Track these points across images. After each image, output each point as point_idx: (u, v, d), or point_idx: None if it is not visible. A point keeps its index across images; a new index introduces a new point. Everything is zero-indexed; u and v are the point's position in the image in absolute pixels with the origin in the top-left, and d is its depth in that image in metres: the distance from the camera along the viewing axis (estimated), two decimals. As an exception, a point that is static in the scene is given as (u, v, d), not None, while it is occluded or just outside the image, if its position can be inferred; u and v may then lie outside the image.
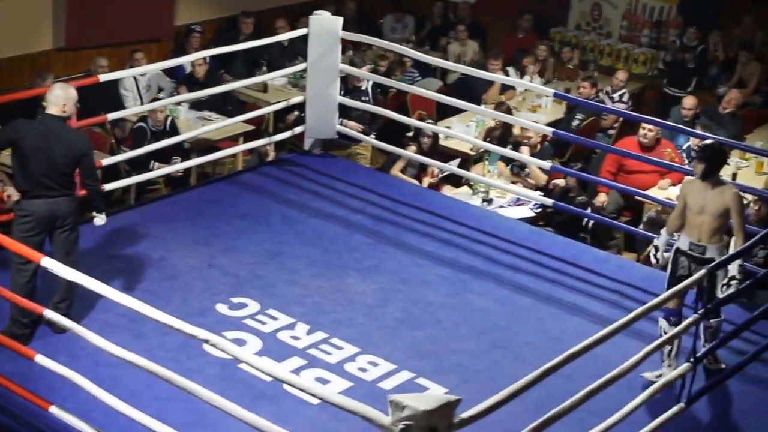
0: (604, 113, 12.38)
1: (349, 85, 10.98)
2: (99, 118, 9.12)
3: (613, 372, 5.64)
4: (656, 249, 7.49)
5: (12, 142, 7.02)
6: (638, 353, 5.93)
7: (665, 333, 6.96)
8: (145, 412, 5.61)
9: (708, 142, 7.34)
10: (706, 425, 6.83)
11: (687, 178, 7.42)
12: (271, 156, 10.66)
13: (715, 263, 6.56)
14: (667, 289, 6.81)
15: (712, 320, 7.00)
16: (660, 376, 6.84)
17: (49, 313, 6.02)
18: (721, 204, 7.00)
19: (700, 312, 6.29)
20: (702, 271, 6.32)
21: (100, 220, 7.45)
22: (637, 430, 6.06)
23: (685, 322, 6.34)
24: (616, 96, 12.92)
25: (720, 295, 6.80)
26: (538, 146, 10.70)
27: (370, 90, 11.14)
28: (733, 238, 7.11)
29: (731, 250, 6.99)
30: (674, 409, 6.40)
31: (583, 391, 5.37)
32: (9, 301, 6.70)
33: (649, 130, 10.57)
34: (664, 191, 10.29)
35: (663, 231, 7.45)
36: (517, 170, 10.70)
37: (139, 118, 10.66)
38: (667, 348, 6.95)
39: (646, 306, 5.92)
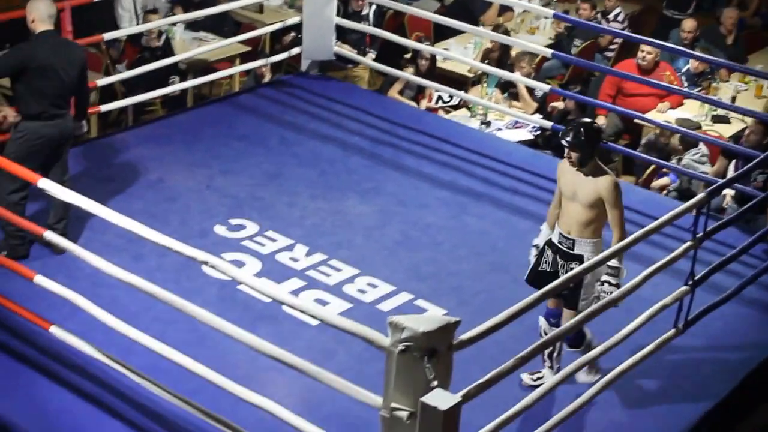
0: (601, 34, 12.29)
1: (350, 9, 10.87)
2: (95, 37, 9.03)
3: (613, 295, 5.66)
4: (537, 248, 6.44)
5: (22, 66, 6.92)
6: (636, 276, 5.94)
7: (545, 333, 6.25)
8: (146, 333, 5.62)
9: (582, 121, 6.13)
10: (702, 348, 6.86)
11: (563, 160, 6.24)
12: (268, 77, 10.59)
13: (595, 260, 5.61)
14: (527, 282, 6.29)
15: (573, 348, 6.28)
16: (540, 378, 6.29)
17: (49, 235, 6.01)
18: (594, 192, 6.03)
19: (698, 235, 6.28)
20: (700, 196, 6.12)
21: (84, 126, 7.59)
22: (634, 352, 6.10)
23: (682, 246, 6.34)
24: (610, 16, 12.78)
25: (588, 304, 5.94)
26: (532, 74, 10.63)
27: (371, 16, 11.05)
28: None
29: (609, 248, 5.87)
30: (671, 332, 6.42)
31: (582, 313, 5.39)
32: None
33: (648, 52, 10.52)
34: (663, 114, 10.27)
35: (544, 226, 6.46)
36: (513, 98, 10.63)
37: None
38: (548, 349, 6.22)
39: (645, 229, 5.90)
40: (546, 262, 6.27)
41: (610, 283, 5.96)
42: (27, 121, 7.03)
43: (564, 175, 6.19)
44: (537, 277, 6.20)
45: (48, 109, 7.00)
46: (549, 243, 6.27)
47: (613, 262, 5.86)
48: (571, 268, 5.94)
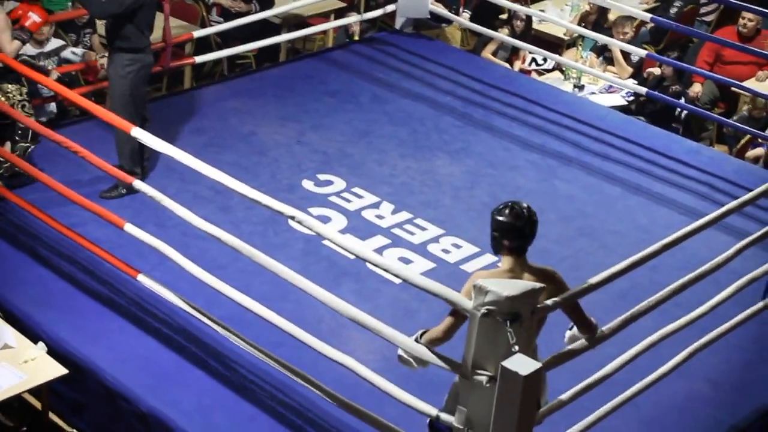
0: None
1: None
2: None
3: (704, 267, 5.56)
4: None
5: (141, 3, 7.17)
6: (726, 247, 5.84)
7: None
8: (231, 285, 5.67)
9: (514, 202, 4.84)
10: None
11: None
12: (357, 34, 10.57)
13: None
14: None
15: None
16: None
17: (138, 184, 6.08)
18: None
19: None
20: None
21: None
22: (720, 323, 6.01)
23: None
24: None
25: None
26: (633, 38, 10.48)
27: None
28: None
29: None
30: (759, 305, 6.33)
31: (672, 285, 5.31)
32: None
33: (750, 19, 10.28)
34: (762, 83, 10.05)
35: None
36: (608, 62, 10.47)
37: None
38: None
39: (739, 201, 5.81)
40: None
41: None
42: (132, 54, 7.26)
43: None
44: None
45: (149, 40, 7.39)
46: None
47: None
48: None
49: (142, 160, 7.41)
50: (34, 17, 7.13)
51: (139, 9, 7.17)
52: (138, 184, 6.07)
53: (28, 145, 7.22)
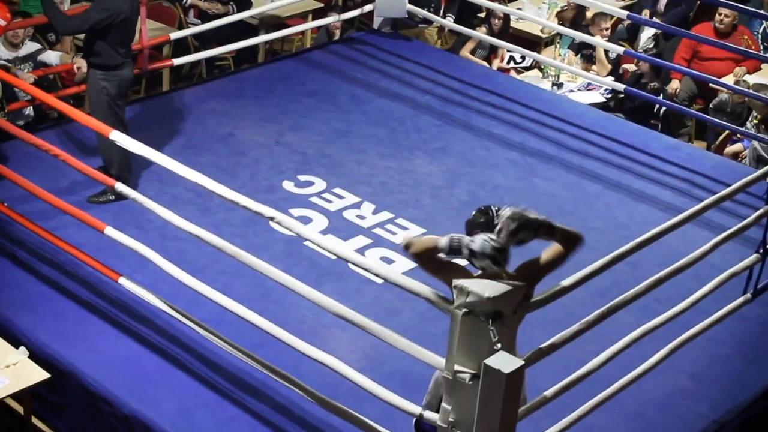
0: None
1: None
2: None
3: (682, 261, 5.58)
4: None
5: (109, 21, 7.06)
6: (705, 243, 5.86)
7: None
8: (212, 286, 5.65)
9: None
10: (771, 317, 6.78)
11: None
12: (338, 34, 10.56)
13: None
14: None
15: None
16: None
17: (120, 186, 6.05)
18: None
19: (771, 203, 6.19)
20: None
21: None
22: (701, 319, 6.03)
23: (755, 214, 6.25)
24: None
25: None
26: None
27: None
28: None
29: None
30: (740, 300, 6.35)
31: (650, 279, 5.33)
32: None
33: (726, 15, 10.32)
34: (739, 79, 10.08)
35: None
36: (587, 60, 10.48)
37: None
38: None
39: (717, 196, 5.82)
40: None
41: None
42: (103, 71, 7.19)
43: None
44: None
45: (125, 57, 7.25)
46: None
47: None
48: None
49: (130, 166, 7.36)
50: None
51: (107, 28, 7.06)
52: (120, 186, 6.04)
53: None
